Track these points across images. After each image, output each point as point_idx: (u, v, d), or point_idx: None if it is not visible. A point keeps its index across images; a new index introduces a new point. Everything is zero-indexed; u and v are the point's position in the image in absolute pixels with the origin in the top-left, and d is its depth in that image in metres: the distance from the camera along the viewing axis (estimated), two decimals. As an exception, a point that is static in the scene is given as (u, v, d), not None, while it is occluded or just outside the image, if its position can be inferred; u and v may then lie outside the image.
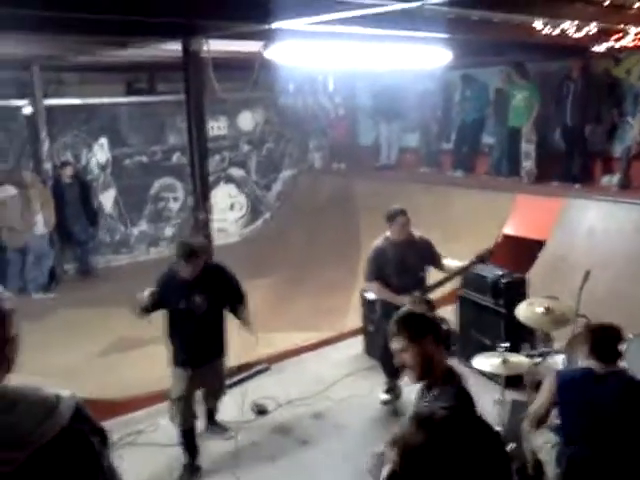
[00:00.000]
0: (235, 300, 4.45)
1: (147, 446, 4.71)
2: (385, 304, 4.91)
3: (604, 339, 3.28)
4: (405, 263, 4.88)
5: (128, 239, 10.21)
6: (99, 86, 9.59)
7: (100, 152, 9.86)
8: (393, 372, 4.84)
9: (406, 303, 4.26)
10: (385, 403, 5.15)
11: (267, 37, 5.57)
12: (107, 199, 9.97)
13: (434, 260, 5.05)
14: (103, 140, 9.85)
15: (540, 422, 3.43)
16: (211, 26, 5.22)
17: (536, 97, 8.92)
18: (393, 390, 5.18)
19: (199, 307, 4.17)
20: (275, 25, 4.88)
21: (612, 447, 3.12)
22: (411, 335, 2.50)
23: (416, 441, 1.33)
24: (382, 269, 4.93)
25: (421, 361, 2.45)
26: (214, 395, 4.66)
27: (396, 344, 2.53)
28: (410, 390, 5.25)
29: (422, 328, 2.54)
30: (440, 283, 4.97)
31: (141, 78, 10.11)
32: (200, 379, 4.34)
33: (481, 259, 4.96)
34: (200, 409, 4.61)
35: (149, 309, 4.21)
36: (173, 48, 5.60)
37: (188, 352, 4.23)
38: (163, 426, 4.94)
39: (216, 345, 4.39)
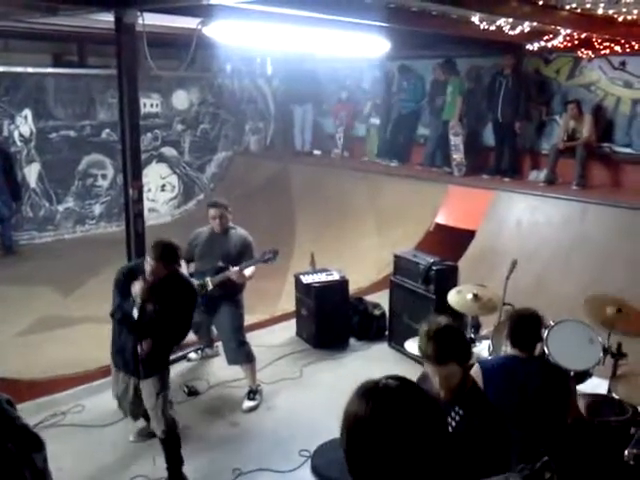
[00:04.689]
0: None
1: (71, 427, 4.57)
2: None
3: (523, 330, 3.39)
4: (208, 250, 5.05)
5: (53, 216, 9.80)
6: (24, 55, 9.13)
7: (23, 124, 9.40)
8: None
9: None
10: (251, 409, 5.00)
11: (205, 13, 5.45)
12: (31, 173, 9.53)
13: (239, 259, 4.95)
14: (27, 112, 9.39)
15: None
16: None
17: (460, 92, 9.13)
18: (255, 392, 5.08)
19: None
20: (213, 0, 4.78)
21: (535, 428, 3.26)
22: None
23: (360, 412, 1.32)
24: (192, 250, 5.14)
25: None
26: None
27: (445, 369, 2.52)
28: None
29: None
30: (218, 280, 4.92)
31: (70, 50, 9.69)
32: None
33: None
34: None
35: None
36: (105, 19, 5.39)
37: None
38: (88, 407, 4.83)
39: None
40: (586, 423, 3.40)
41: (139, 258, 4.59)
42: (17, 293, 7.17)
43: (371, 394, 1.33)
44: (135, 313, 3.84)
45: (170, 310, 3.87)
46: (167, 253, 3.86)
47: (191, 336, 5.58)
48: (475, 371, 3.45)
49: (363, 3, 5.54)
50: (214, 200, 5.34)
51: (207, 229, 5.14)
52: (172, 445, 4.01)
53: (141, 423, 4.43)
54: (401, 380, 1.41)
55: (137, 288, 3.82)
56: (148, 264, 3.85)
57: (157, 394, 3.95)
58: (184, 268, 5.02)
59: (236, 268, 4.84)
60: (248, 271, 4.95)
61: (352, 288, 6.48)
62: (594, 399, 3.93)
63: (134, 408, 4.18)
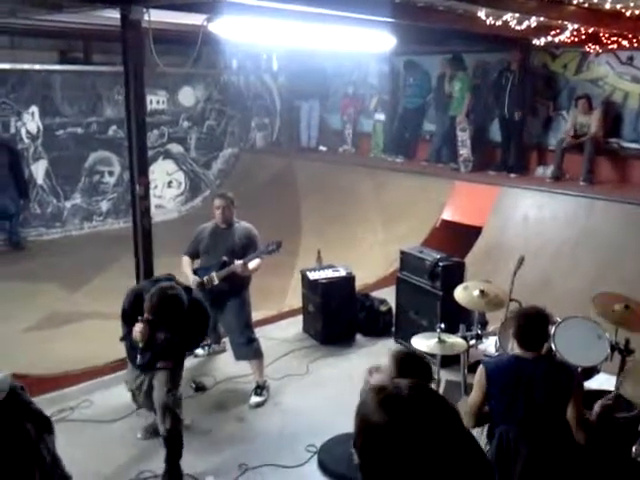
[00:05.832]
0: None
1: (80, 422, 4.59)
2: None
3: (529, 330, 3.32)
4: (212, 245, 5.03)
5: (61, 212, 9.83)
6: (31, 52, 9.16)
7: (30, 121, 9.43)
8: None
9: (194, 284, 4.67)
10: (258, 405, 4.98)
11: (211, 10, 5.45)
12: (38, 170, 9.56)
13: (244, 253, 4.93)
14: (34, 109, 9.42)
15: (479, 415, 3.40)
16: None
17: (468, 88, 9.09)
18: (262, 387, 5.06)
19: None
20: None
21: (540, 427, 3.23)
22: None
23: (377, 419, 1.30)
24: (197, 246, 5.12)
25: None
26: None
27: None
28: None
29: None
30: (223, 275, 4.90)
31: (77, 47, 9.72)
32: None
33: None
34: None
35: None
36: (111, 16, 5.39)
37: None
38: (96, 403, 4.85)
39: None
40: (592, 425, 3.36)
41: (147, 280, 4.59)
42: (25, 289, 7.21)
43: (391, 402, 1.30)
44: (139, 360, 3.86)
45: (182, 334, 3.91)
46: (162, 311, 3.75)
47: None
48: (479, 371, 3.41)
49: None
50: (222, 192, 5.45)
51: (211, 224, 5.13)
52: (173, 445, 3.97)
53: (149, 419, 4.44)
54: (419, 386, 1.38)
55: (137, 332, 3.77)
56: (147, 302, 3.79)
57: (167, 391, 3.93)
58: (188, 264, 5.07)
59: (240, 261, 4.83)
60: (253, 264, 4.93)
61: (358, 284, 6.48)
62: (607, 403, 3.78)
63: (149, 402, 4.17)
